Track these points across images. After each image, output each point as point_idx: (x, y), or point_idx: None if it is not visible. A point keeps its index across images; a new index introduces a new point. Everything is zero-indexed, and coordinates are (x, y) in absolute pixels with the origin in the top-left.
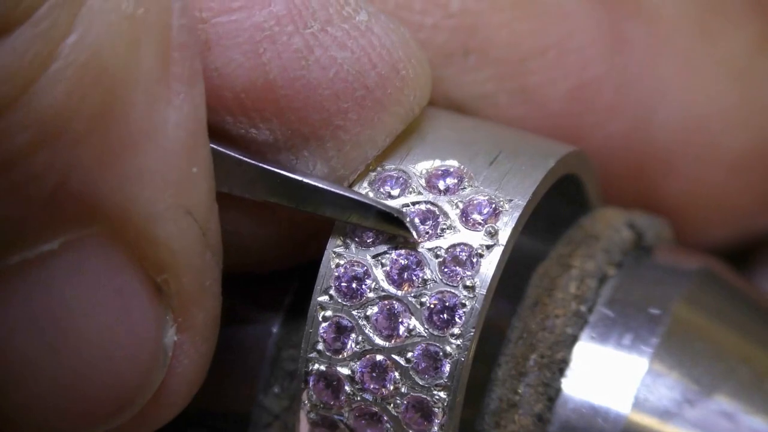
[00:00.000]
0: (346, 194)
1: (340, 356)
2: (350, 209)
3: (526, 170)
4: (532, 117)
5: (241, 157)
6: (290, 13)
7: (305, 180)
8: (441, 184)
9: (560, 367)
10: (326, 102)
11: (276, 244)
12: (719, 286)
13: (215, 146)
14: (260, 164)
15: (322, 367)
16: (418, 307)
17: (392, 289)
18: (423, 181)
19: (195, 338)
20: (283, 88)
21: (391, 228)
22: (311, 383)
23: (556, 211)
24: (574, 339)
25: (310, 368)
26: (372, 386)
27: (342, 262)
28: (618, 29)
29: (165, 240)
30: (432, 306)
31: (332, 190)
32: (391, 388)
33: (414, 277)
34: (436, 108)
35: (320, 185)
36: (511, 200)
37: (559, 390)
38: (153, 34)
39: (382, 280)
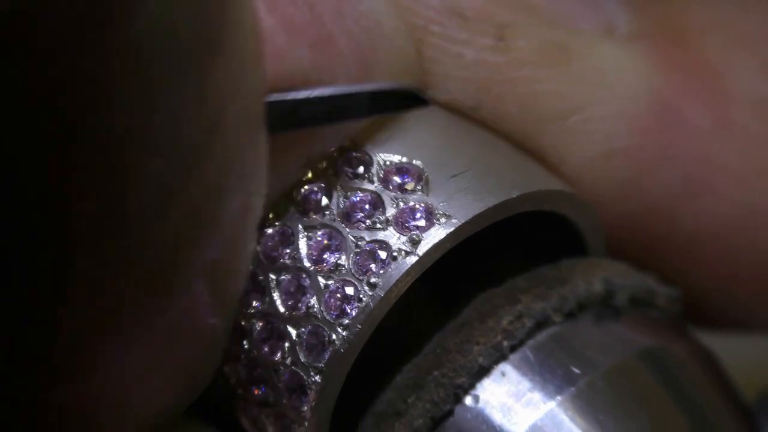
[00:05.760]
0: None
1: (247, 311)
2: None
3: (483, 193)
4: None
5: None
6: None
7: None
8: (395, 180)
9: (456, 391)
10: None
11: None
12: (655, 371)
13: None
14: None
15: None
16: (322, 288)
17: (307, 264)
18: (382, 173)
19: None
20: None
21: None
22: None
23: (560, 252)
24: (483, 370)
25: None
26: (264, 349)
27: (276, 223)
28: (675, 105)
29: None
30: (333, 291)
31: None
32: (279, 356)
33: (330, 259)
34: (445, 110)
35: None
36: (449, 216)
37: (447, 413)
38: None
39: (303, 253)
